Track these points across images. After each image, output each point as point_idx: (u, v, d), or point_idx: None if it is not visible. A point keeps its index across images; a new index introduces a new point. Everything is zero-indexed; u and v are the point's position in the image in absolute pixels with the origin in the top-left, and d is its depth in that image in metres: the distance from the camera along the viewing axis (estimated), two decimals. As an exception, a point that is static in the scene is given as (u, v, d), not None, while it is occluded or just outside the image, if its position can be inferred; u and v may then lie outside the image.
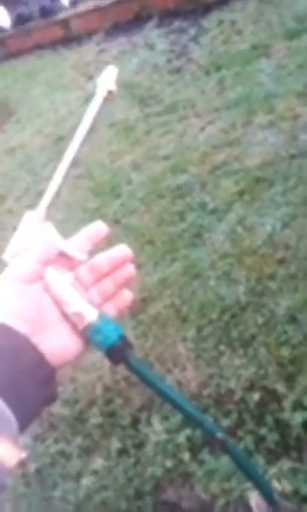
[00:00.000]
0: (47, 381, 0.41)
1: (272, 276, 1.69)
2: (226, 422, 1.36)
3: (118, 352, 0.45)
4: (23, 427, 0.39)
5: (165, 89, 3.24)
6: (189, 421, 0.53)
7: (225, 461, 1.24)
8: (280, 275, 1.67)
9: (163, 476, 1.35)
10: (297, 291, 1.58)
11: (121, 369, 1.52)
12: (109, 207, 2.54)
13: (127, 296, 0.47)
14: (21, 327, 0.41)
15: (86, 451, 1.54)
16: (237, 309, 1.64)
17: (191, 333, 1.67)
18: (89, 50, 4.26)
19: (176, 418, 1.41)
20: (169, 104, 3.07)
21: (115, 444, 1.50)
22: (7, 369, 0.38)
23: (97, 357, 1.04)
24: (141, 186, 2.55)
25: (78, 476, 1.47)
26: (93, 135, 3.22)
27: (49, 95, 3.98)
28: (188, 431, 1.37)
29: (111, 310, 0.47)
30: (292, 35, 3.05)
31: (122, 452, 1.48)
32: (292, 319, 1.49)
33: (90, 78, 3.91)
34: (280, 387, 1.31)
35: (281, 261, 1.74)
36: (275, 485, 1.14)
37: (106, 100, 0.58)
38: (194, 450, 1.35)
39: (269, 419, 1.28)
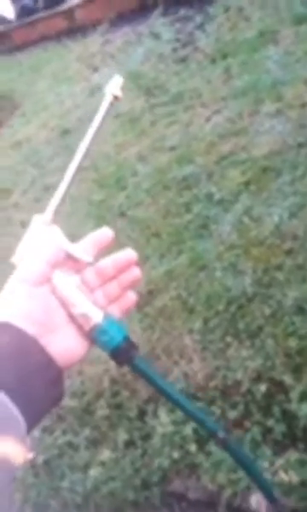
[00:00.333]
0: (55, 382, 0.42)
1: (279, 267, 1.66)
2: (233, 414, 1.35)
3: (123, 353, 0.46)
4: (31, 426, 0.39)
5: (170, 78, 3.20)
6: (192, 420, 0.53)
7: (232, 452, 1.24)
8: (288, 265, 1.65)
9: (170, 467, 1.36)
10: (304, 282, 1.56)
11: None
12: (115, 200, 2.52)
13: (131, 297, 0.48)
14: (30, 328, 0.41)
15: (94, 443, 1.55)
16: (244, 300, 1.63)
17: (197, 325, 1.66)
18: (93, 41, 4.22)
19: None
20: (174, 94, 3.03)
21: (122, 435, 1.50)
22: (16, 370, 0.39)
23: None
24: (147, 177, 2.53)
25: (86, 467, 1.49)
26: (100, 126, 3.19)
27: (55, 87, 3.96)
28: (194, 423, 1.37)
29: (115, 311, 0.48)
30: (300, 20, 2.98)
31: (129, 444, 1.48)
32: (300, 310, 1.47)
33: (95, 69, 3.88)
34: (288, 379, 1.30)
35: (289, 252, 1.71)
36: (282, 476, 1.13)
37: (111, 104, 0.58)
38: (201, 441, 1.35)
39: (276, 410, 1.27)
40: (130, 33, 3.99)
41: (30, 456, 0.39)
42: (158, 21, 3.87)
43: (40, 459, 1.57)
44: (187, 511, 1.29)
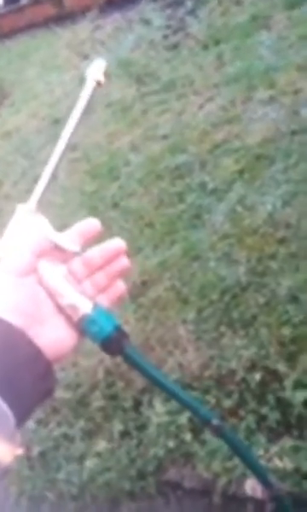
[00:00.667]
0: (44, 376, 0.41)
1: (273, 256, 1.65)
2: (228, 403, 1.35)
3: (114, 343, 0.45)
4: (21, 421, 0.38)
5: (161, 66, 3.14)
6: (186, 409, 0.52)
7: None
8: (281, 254, 1.64)
9: (165, 457, 1.36)
10: (298, 270, 1.55)
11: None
12: (107, 190, 2.49)
13: (120, 287, 0.47)
14: (17, 320, 0.40)
15: (89, 434, 1.55)
16: (238, 289, 1.62)
17: (191, 315, 1.65)
18: (83, 28, 4.13)
19: (178, 400, 1.41)
20: (166, 82, 2.98)
21: (118, 426, 1.50)
22: (3, 364, 0.38)
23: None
24: (140, 167, 2.50)
25: (82, 458, 1.49)
26: (89, 116, 3.15)
27: (44, 76, 3.88)
28: (189, 412, 1.37)
29: (104, 301, 0.46)
30: (292, 4, 2.92)
31: (124, 434, 1.48)
32: (294, 299, 1.46)
33: (85, 57, 3.80)
34: (282, 367, 1.30)
35: (282, 240, 1.70)
36: (277, 462, 1.13)
37: (95, 89, 0.56)
38: (196, 430, 1.35)
39: (270, 398, 1.27)
40: (121, 20, 3.91)
41: (20, 451, 0.38)
42: (148, 7, 3.78)
43: (35, 451, 1.57)
44: (182, 500, 1.30)
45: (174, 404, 1.43)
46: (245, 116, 2.40)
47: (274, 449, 1.18)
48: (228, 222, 1.92)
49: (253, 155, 2.14)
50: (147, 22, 3.65)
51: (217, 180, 2.14)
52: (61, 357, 0.43)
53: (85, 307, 0.43)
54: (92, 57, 3.70)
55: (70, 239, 0.45)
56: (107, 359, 1.67)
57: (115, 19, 3.96)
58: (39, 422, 1.64)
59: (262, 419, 1.26)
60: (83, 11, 4.25)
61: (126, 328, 0.44)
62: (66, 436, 1.58)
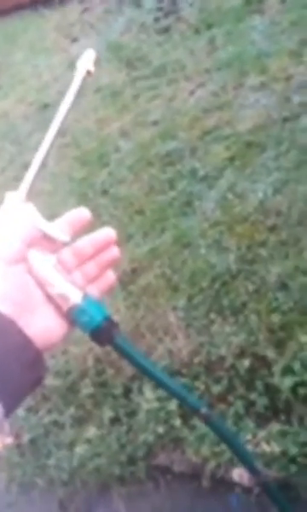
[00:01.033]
0: (33, 365, 0.40)
1: (263, 244, 1.65)
2: (217, 389, 1.36)
3: (104, 333, 0.45)
4: (9, 411, 0.37)
5: (152, 50, 3.08)
6: (174, 397, 0.52)
7: (216, 426, 1.25)
8: (271, 242, 1.64)
9: (155, 442, 1.37)
10: (287, 258, 1.55)
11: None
12: (97, 177, 2.45)
13: (110, 277, 0.47)
14: (7, 309, 0.40)
15: (79, 421, 1.55)
16: (228, 277, 1.62)
17: (182, 302, 1.65)
18: (72, 10, 4.02)
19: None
20: (157, 66, 2.93)
21: (107, 413, 1.51)
22: None
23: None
24: (130, 154, 2.46)
25: (72, 445, 1.49)
26: (79, 101, 3.08)
27: (32, 59, 3.78)
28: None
29: (94, 291, 0.46)
30: (286, -12, 2.87)
31: (114, 421, 1.49)
32: (283, 286, 1.47)
33: (74, 40, 3.71)
34: (271, 353, 1.31)
35: (272, 228, 1.70)
36: (264, 447, 1.15)
37: (84, 79, 0.55)
38: (186, 416, 1.36)
39: (259, 384, 1.28)
40: (111, 1, 3.81)
41: (9, 441, 0.37)
42: (139, -11, 3.69)
43: (26, 438, 1.57)
44: (171, 484, 1.31)
45: (163, 391, 1.44)
46: (236, 102, 2.37)
47: (261, 434, 1.19)
48: (218, 209, 1.91)
49: (244, 142, 2.13)
50: (138, 4, 3.56)
51: (207, 167, 2.12)
52: (51, 346, 0.42)
53: (75, 297, 0.43)
54: (81, 40, 3.61)
55: (60, 228, 0.44)
56: (97, 347, 1.66)
57: (105, 0, 3.86)
58: (29, 410, 1.64)
59: (250, 404, 1.28)
60: (72, -8, 4.13)
61: (116, 316, 0.44)
62: (56, 423, 1.58)
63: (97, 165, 2.52)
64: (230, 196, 1.93)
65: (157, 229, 2.01)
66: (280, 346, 1.33)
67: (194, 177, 2.13)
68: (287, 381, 1.21)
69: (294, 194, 1.78)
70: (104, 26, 3.60)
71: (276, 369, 1.26)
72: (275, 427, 1.17)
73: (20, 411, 1.61)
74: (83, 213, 0.45)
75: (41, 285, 0.43)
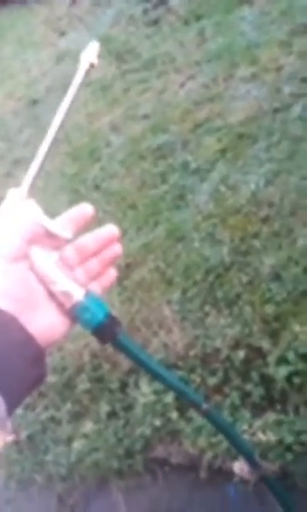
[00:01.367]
0: (35, 362, 0.40)
1: (256, 235, 1.65)
2: (213, 381, 1.37)
3: (106, 330, 0.45)
4: (12, 407, 0.37)
5: (142, 42, 3.05)
6: (177, 393, 0.54)
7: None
8: (264, 233, 1.64)
9: (152, 435, 1.37)
10: (280, 249, 1.55)
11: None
12: (88, 172, 2.44)
13: (112, 274, 0.47)
14: (9, 306, 0.40)
15: (76, 416, 1.55)
16: (221, 269, 1.62)
17: (176, 295, 1.65)
18: (60, 3, 3.97)
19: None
20: (147, 59, 2.90)
21: (104, 407, 1.51)
22: None
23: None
24: (121, 148, 2.45)
25: (69, 440, 1.49)
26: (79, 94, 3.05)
27: (20, 54, 3.73)
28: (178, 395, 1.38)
29: (96, 288, 0.46)
30: (275, -22, 2.85)
31: (111, 415, 1.49)
32: (276, 277, 1.47)
33: (63, 33, 3.67)
34: (265, 344, 1.31)
35: (265, 219, 1.70)
36: (260, 436, 1.15)
37: (87, 72, 0.54)
38: (182, 409, 1.36)
39: (254, 375, 1.29)
40: (98, -6, 3.76)
41: (11, 438, 0.37)
42: (127, -20, 3.65)
43: (23, 435, 1.57)
44: (169, 475, 1.32)
45: (160, 384, 1.44)
46: (227, 94, 2.36)
47: (258, 423, 1.20)
48: (211, 202, 1.90)
49: (236, 134, 2.12)
50: (126, -4, 3.52)
51: (199, 160, 2.11)
52: (53, 343, 0.42)
53: (78, 294, 0.43)
54: (70, 34, 3.58)
55: (62, 225, 0.44)
56: (93, 342, 1.67)
57: (93, -7, 3.82)
58: (26, 407, 1.64)
59: (246, 395, 1.28)
60: (59, -15, 4.08)
61: (111, 311, 0.44)
62: (53, 419, 1.58)
63: (89, 161, 2.51)
64: (223, 188, 1.92)
65: (150, 223, 2.01)
66: (274, 336, 1.33)
67: (186, 170, 2.12)
68: (282, 371, 1.21)
69: (286, 184, 1.78)
70: (92, 19, 3.57)
71: (271, 359, 1.27)
72: (271, 416, 1.17)
73: (18, 409, 1.60)
74: (85, 210, 0.45)
75: (43, 282, 0.42)
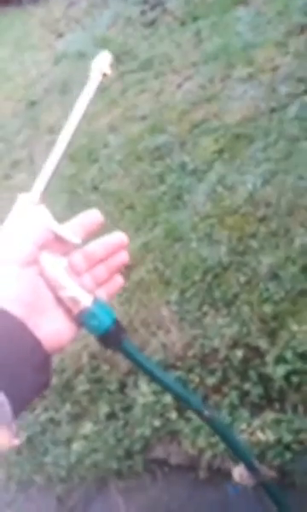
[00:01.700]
0: (42, 367, 0.41)
1: (253, 235, 1.65)
2: (211, 380, 1.37)
3: (112, 337, 0.45)
4: (17, 412, 0.37)
5: (139, 43, 3.06)
6: (179, 400, 0.54)
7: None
8: (262, 233, 1.64)
9: (151, 435, 1.37)
10: (278, 248, 1.56)
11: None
12: (87, 173, 2.44)
13: (118, 281, 0.47)
14: (18, 311, 0.40)
15: (75, 418, 1.55)
16: (219, 269, 1.62)
17: (174, 296, 1.65)
18: (57, 4, 3.98)
19: (162, 380, 1.42)
20: (144, 60, 2.91)
21: (103, 408, 1.51)
22: (3, 354, 0.38)
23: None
24: (119, 149, 2.45)
25: (69, 441, 1.49)
26: (66, 97, 3.06)
27: (18, 56, 3.74)
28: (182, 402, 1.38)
29: (102, 294, 0.46)
30: (271, -22, 2.86)
31: (110, 416, 1.49)
32: (274, 276, 1.47)
33: (60, 35, 3.68)
34: (263, 343, 1.31)
35: (262, 219, 1.70)
36: (259, 435, 1.16)
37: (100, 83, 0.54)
38: (181, 409, 1.37)
39: (252, 374, 1.29)
40: (95, -5, 3.77)
41: (17, 442, 0.38)
42: (123, -18, 3.65)
43: (23, 436, 1.57)
44: (169, 476, 1.32)
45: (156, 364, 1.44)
46: (223, 94, 2.37)
47: (256, 422, 1.20)
48: (208, 202, 1.91)
49: (233, 134, 2.12)
50: (122, -2, 3.53)
51: (196, 160, 2.12)
52: (59, 349, 0.42)
53: (86, 300, 0.43)
54: (67, 35, 3.58)
55: (72, 231, 0.44)
56: (92, 344, 1.67)
57: (90, -5, 3.83)
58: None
59: (244, 394, 1.28)
60: (56, -13, 4.09)
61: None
62: (52, 420, 1.58)
63: (87, 162, 2.51)
64: (220, 189, 1.93)
65: (148, 223, 2.01)
66: (272, 335, 1.33)
67: (183, 170, 2.12)
68: (280, 370, 1.21)
69: (283, 184, 1.78)
70: (90, 21, 3.57)
71: (269, 358, 1.27)
72: (270, 415, 1.18)
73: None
74: (95, 216, 0.45)
75: (52, 287, 0.43)
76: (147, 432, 1.39)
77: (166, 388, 0.51)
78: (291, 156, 1.87)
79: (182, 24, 3.01)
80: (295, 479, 1.10)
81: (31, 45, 3.75)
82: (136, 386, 1.50)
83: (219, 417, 1.10)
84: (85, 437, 1.48)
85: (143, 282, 1.80)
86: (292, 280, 1.43)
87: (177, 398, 0.52)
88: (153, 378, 0.49)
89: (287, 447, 1.11)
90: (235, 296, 1.51)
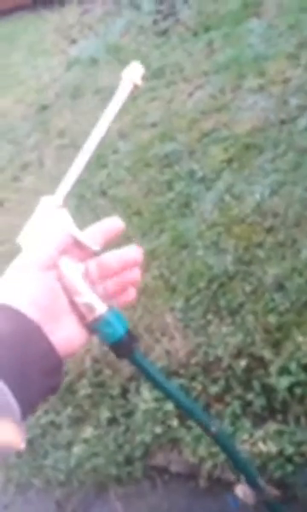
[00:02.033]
0: (52, 372, 0.41)
1: (260, 245, 1.66)
2: (214, 389, 1.37)
3: (124, 346, 0.45)
4: (25, 414, 0.38)
5: (151, 52, 3.10)
6: (186, 414, 0.54)
7: (213, 426, 1.26)
8: (269, 243, 1.65)
9: (152, 442, 1.37)
10: (284, 259, 1.56)
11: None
12: (95, 178, 2.46)
13: (131, 294, 0.47)
14: (35, 314, 0.40)
15: (76, 421, 1.55)
16: (225, 278, 1.63)
17: (179, 303, 1.66)
18: (71, 11, 4.04)
19: (165, 386, 1.42)
20: (156, 68, 2.94)
21: (105, 413, 1.51)
22: (16, 357, 0.38)
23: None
24: (128, 155, 2.47)
25: (69, 445, 1.49)
26: (78, 102, 3.09)
27: (31, 60, 3.79)
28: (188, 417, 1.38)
29: (114, 304, 0.46)
30: (284, -8, 2.90)
31: (112, 421, 1.49)
32: (280, 287, 1.48)
33: (73, 41, 3.72)
34: (267, 354, 1.32)
35: (270, 229, 1.71)
36: (261, 447, 1.15)
37: (129, 94, 0.55)
38: (183, 416, 1.37)
39: (255, 384, 1.29)
40: (110, 3, 3.83)
41: (23, 446, 0.38)
42: (138, -9, 3.71)
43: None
44: (169, 484, 1.32)
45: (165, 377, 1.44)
46: (234, 105, 2.39)
47: (258, 433, 1.20)
48: (216, 211, 1.92)
49: (242, 144, 2.14)
50: (136, 7, 3.58)
51: (205, 169, 2.13)
52: (70, 355, 0.42)
53: (101, 308, 0.43)
54: (80, 42, 3.63)
55: (92, 237, 0.44)
56: (95, 348, 1.67)
57: (104, 2, 3.88)
58: (26, 410, 1.64)
59: (247, 404, 1.28)
60: (71, -6, 4.15)
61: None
62: (53, 423, 1.58)
63: (96, 166, 2.53)
64: (228, 198, 1.94)
65: (155, 230, 2.02)
66: (276, 346, 1.33)
67: (192, 178, 2.14)
68: (284, 381, 1.21)
69: (291, 195, 1.79)
70: (103, 28, 3.62)
71: (273, 369, 1.27)
72: (272, 426, 1.17)
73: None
74: (116, 224, 0.45)
75: (68, 292, 0.43)
76: (148, 438, 1.39)
77: (176, 402, 0.51)
78: (299, 168, 1.88)
79: (195, 34, 3.04)
80: (296, 492, 1.10)
81: (45, 50, 3.80)
82: (138, 391, 1.50)
83: (227, 434, 1.10)
84: (86, 441, 1.48)
85: (148, 288, 1.81)
86: (297, 291, 1.43)
87: (185, 411, 0.52)
88: (161, 390, 0.49)
89: (289, 459, 1.11)
90: (240, 305, 1.52)
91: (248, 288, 1.54)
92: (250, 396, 1.28)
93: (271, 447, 1.11)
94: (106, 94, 3.00)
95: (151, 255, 1.92)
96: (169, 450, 1.36)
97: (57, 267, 0.42)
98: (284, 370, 1.25)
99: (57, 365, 0.41)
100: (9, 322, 0.39)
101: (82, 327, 0.43)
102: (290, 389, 1.21)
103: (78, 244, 0.43)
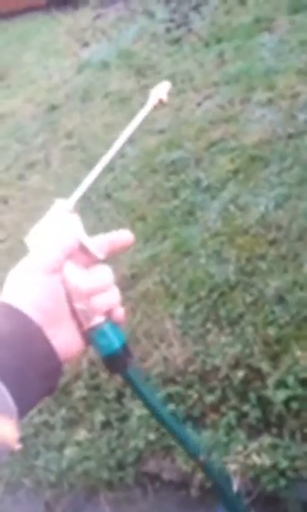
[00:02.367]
0: (51, 375, 0.41)
1: (262, 257, 1.68)
2: (210, 398, 1.37)
3: (118, 361, 0.45)
4: (21, 415, 0.38)
5: (162, 59, 3.13)
6: (174, 438, 0.54)
7: (206, 434, 1.26)
8: (271, 255, 1.66)
9: (145, 448, 1.37)
10: (286, 272, 1.58)
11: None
12: (101, 181, 2.47)
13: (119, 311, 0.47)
14: (37, 317, 0.40)
15: (70, 423, 1.55)
16: (226, 288, 1.64)
17: (179, 310, 1.66)
18: (84, 15, 4.07)
19: (161, 393, 1.43)
20: (166, 76, 2.97)
21: (99, 416, 1.51)
22: (17, 357, 0.38)
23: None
24: (135, 160, 2.49)
25: (61, 447, 1.49)
26: (87, 105, 3.11)
27: (42, 60, 3.81)
28: (171, 406, 1.39)
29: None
30: (296, 9, 2.94)
31: (105, 425, 1.49)
32: (281, 299, 1.49)
33: (85, 44, 3.75)
34: (265, 366, 1.32)
35: (273, 242, 1.72)
36: (255, 459, 1.16)
37: (154, 107, 0.56)
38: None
39: (252, 396, 1.29)
40: (123, 9, 3.86)
41: (18, 447, 0.39)
42: (152, -1, 3.75)
43: (15, 438, 1.56)
44: (160, 491, 1.32)
45: (157, 397, 1.44)
46: (242, 116, 2.42)
47: (253, 445, 1.20)
48: (220, 220, 1.93)
49: (249, 156, 2.16)
50: (150, 14, 3.62)
51: (211, 178, 2.15)
52: (68, 359, 0.42)
53: (99, 317, 0.43)
54: (92, 45, 3.65)
55: (99, 245, 0.45)
56: (92, 350, 1.67)
57: (118, 8, 3.92)
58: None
59: (242, 416, 1.29)
60: (86, -3, 4.19)
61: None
62: (46, 424, 1.57)
63: (102, 170, 2.54)
64: (232, 208, 1.96)
65: (158, 236, 2.03)
66: (275, 359, 1.34)
67: (197, 187, 2.15)
68: (280, 395, 1.22)
69: (295, 209, 1.81)
70: (116, 33, 3.65)
71: (270, 381, 1.28)
72: (267, 439, 1.18)
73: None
74: (125, 236, 0.46)
75: (70, 298, 0.43)
76: (141, 444, 1.39)
77: (164, 424, 0.50)
78: (305, 182, 1.90)
79: (206, 45, 3.08)
80: (288, 507, 1.10)
81: (57, 51, 3.82)
82: (133, 396, 1.50)
83: (213, 465, 1.09)
84: (78, 443, 1.48)
85: (149, 293, 1.82)
86: (298, 304, 1.45)
87: (173, 436, 0.52)
88: (151, 410, 0.49)
89: (282, 473, 1.11)
90: (240, 316, 1.53)
91: (249, 299, 1.55)
92: (246, 407, 1.29)
93: (265, 460, 1.12)
94: (115, 98, 3.02)
95: (152, 261, 1.93)
96: (162, 457, 1.36)
97: (62, 271, 0.43)
98: (281, 384, 1.25)
99: (56, 368, 0.41)
100: (10, 321, 0.39)
101: (79, 335, 0.43)
102: (286, 403, 1.22)
103: (84, 250, 0.44)
